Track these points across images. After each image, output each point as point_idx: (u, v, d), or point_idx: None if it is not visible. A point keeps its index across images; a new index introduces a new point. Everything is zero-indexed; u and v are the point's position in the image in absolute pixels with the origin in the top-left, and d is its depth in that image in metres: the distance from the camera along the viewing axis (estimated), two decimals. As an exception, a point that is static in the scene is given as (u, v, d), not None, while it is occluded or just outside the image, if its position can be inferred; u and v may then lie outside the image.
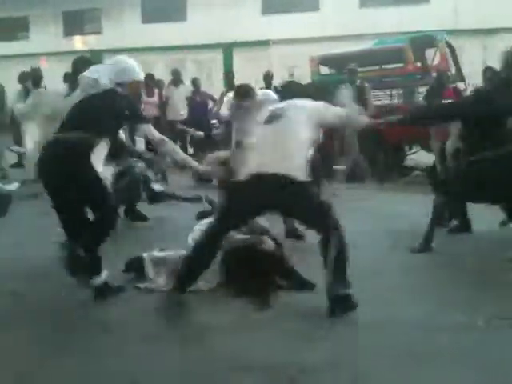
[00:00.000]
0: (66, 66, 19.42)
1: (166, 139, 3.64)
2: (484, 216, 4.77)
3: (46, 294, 3.49)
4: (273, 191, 2.97)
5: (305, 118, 3.18)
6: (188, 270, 3.25)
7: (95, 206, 3.27)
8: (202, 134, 8.97)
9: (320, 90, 7.53)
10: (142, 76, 3.57)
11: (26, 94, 8.12)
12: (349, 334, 2.85)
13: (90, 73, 3.50)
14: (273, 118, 3.18)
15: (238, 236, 3.60)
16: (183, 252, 3.71)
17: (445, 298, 3.30)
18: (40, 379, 2.44)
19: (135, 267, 3.71)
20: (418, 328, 2.88)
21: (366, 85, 7.95)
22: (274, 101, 4.49)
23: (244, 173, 3.05)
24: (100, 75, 3.39)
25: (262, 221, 3.86)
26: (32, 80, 8.11)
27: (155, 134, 3.56)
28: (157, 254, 3.82)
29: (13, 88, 9.03)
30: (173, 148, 3.81)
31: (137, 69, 3.52)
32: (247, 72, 16.94)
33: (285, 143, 3.04)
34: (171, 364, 2.56)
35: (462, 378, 2.38)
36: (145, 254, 3.76)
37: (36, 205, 5.47)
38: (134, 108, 3.53)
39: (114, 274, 3.60)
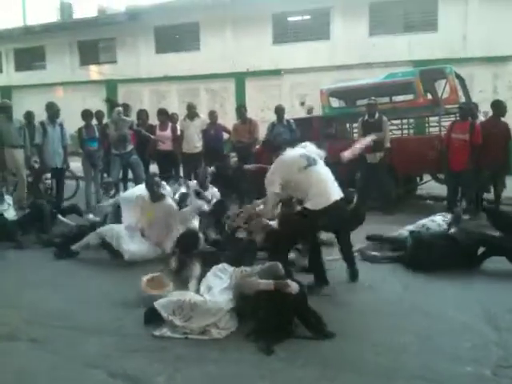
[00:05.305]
0: (81, 96, 19.90)
1: None
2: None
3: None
4: (344, 210, 4.58)
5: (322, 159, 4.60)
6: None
7: None
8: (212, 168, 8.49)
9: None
10: None
11: (43, 129, 8.29)
12: None
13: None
14: (313, 161, 4.39)
15: (261, 280, 3.70)
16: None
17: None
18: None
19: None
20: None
21: (384, 118, 8.07)
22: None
23: (321, 201, 4.26)
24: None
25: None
26: (48, 115, 8.34)
27: None
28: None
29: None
30: None
31: None
32: (259, 100, 17.29)
33: (331, 176, 4.46)
34: None
35: None
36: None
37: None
38: None
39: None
